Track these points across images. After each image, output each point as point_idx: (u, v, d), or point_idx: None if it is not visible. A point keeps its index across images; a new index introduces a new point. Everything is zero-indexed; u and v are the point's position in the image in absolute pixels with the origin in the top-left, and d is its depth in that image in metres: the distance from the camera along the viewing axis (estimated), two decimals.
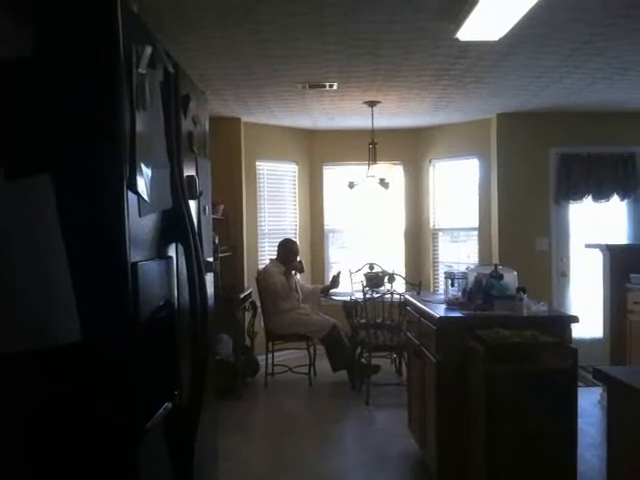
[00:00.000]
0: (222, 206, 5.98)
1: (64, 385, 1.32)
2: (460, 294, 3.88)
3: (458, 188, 7.13)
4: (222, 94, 5.48)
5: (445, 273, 4.08)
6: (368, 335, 5.57)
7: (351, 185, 6.15)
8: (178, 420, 1.73)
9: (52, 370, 1.31)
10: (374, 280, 5.84)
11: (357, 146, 6.54)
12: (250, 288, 6.30)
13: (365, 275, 5.98)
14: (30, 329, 1.27)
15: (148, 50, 1.45)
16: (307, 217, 7.38)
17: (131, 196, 1.38)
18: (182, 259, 1.76)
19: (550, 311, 3.62)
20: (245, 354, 6.07)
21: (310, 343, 6.02)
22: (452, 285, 3.88)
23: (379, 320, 5.68)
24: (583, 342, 6.15)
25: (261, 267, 6.39)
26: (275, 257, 6.22)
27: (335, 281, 6.20)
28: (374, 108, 5.92)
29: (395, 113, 6.38)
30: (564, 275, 6.56)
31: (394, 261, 7.15)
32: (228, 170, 6.36)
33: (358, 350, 5.87)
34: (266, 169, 6.97)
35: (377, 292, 5.67)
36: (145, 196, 1.44)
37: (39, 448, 1.32)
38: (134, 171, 1.37)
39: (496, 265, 3.89)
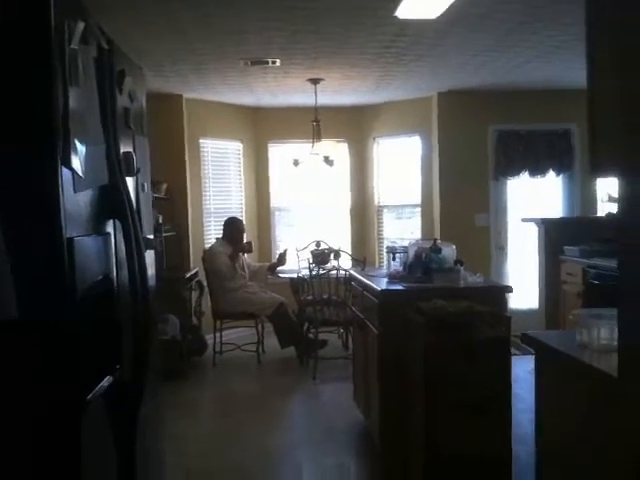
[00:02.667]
0: (165, 185, 5.92)
1: (2, 361, 1.32)
2: (401, 268, 4.00)
3: (401, 165, 7.25)
4: (162, 70, 5.39)
5: (387, 247, 4.19)
6: (315, 311, 5.66)
7: (296, 163, 6.18)
8: (121, 395, 1.75)
9: None
10: (320, 257, 5.91)
11: (302, 124, 6.55)
12: (196, 268, 6.28)
13: (311, 252, 6.05)
14: None
15: (80, 26, 1.44)
16: (253, 195, 7.38)
17: (66, 172, 1.38)
18: (120, 236, 1.77)
19: (486, 282, 3.75)
20: (192, 333, 6.07)
21: (258, 321, 6.06)
22: (393, 259, 3.98)
23: (325, 296, 5.78)
24: (520, 312, 6.43)
25: (207, 246, 6.37)
26: (221, 236, 6.21)
27: (281, 259, 6.25)
28: (317, 86, 5.95)
29: (338, 91, 6.42)
30: (502, 249, 6.80)
31: (340, 238, 7.25)
32: (171, 148, 6.28)
33: (305, 326, 5.97)
34: (210, 147, 6.91)
35: (323, 269, 5.75)
36: (80, 172, 1.44)
37: None
38: (68, 147, 1.37)
39: (435, 239, 4.01)
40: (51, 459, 1.39)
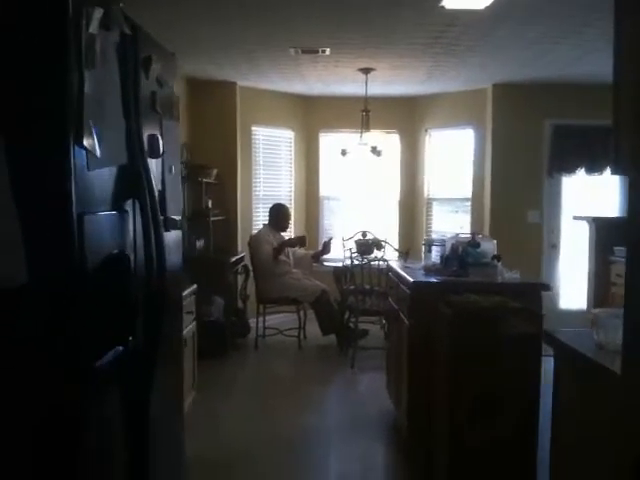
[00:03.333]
0: (215, 170, 6.05)
1: (13, 323, 1.42)
2: (438, 261, 3.97)
3: (453, 158, 7.16)
4: (215, 58, 5.52)
5: (424, 240, 4.16)
6: (356, 300, 5.70)
7: (343, 152, 6.20)
8: (134, 367, 1.84)
9: (2, 308, 1.41)
10: (363, 247, 5.92)
11: (353, 113, 6.54)
12: (243, 252, 6.41)
13: (356, 242, 6.07)
14: None
15: (98, 12, 1.51)
16: (302, 184, 7.45)
17: (80, 151, 1.47)
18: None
19: (523, 279, 3.68)
20: (237, 316, 6.22)
21: (300, 307, 6.14)
22: (429, 252, 3.97)
23: (368, 286, 5.80)
24: (569, 312, 6.27)
25: (254, 232, 6.49)
26: (267, 222, 6.32)
27: (326, 247, 6.29)
28: (368, 75, 5.94)
29: (390, 81, 6.39)
30: (554, 247, 6.63)
31: (388, 229, 7.24)
32: (223, 134, 6.42)
33: (346, 315, 6.00)
34: (262, 134, 7.01)
35: (365, 259, 5.76)
36: (94, 151, 1.52)
37: None
38: (81, 127, 1.45)
39: (474, 234, 3.97)
40: (57, 424, 1.48)
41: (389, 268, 4.49)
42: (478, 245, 3.88)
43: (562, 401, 2.25)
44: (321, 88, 6.85)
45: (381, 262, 5.45)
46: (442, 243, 3.99)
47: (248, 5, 4.03)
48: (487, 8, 3.93)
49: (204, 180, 5.83)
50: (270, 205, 6.57)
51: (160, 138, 2.08)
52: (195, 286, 4.20)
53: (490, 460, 3.14)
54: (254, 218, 6.86)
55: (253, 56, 5.42)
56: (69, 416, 1.49)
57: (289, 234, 7.11)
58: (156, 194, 1.99)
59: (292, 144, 7.32)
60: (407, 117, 7.35)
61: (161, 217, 2.12)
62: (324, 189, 7.52)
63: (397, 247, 6.48)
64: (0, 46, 1.39)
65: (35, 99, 1.41)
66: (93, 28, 1.50)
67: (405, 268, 4.16)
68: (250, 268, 6.26)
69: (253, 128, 6.87)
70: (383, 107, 6.94)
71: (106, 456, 1.70)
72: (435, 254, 4.04)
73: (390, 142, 7.29)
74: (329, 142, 7.40)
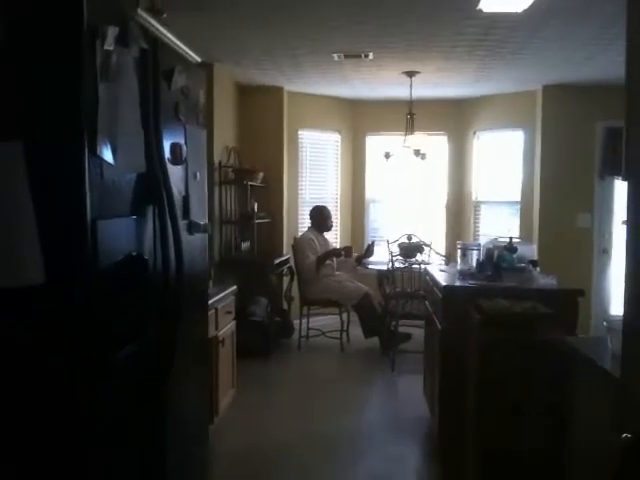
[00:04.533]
0: (261, 174, 6.17)
1: (31, 320, 1.54)
2: (474, 265, 3.95)
3: (502, 160, 7.05)
4: (261, 64, 5.64)
5: (459, 244, 4.14)
6: (397, 304, 5.70)
7: (387, 155, 6.22)
8: (151, 364, 1.94)
9: (21, 307, 1.53)
10: (407, 250, 5.92)
11: (399, 116, 6.54)
12: (288, 254, 6.51)
13: (399, 245, 6.07)
14: (1, 271, 1.49)
15: (113, 30, 1.61)
16: (348, 186, 7.50)
17: (95, 160, 1.57)
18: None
19: (559, 285, 3.62)
20: (281, 317, 6.32)
21: (343, 309, 6.20)
22: (464, 256, 3.95)
23: (410, 290, 5.80)
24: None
25: (299, 235, 6.58)
26: (310, 225, 6.41)
27: (369, 250, 6.32)
28: (413, 78, 5.94)
29: (436, 83, 6.36)
30: (605, 252, 6.43)
31: (435, 232, 7.20)
32: (269, 138, 6.55)
33: (388, 318, 6.01)
34: (308, 138, 7.11)
35: (409, 262, 5.76)
36: (109, 160, 1.63)
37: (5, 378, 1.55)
38: (95, 137, 1.56)
39: (511, 238, 3.92)
40: (71, 417, 1.59)
41: (426, 272, 4.49)
42: (515, 250, 3.83)
43: (576, 406, 2.23)
44: (366, 91, 6.88)
45: (423, 266, 5.43)
46: (478, 247, 3.96)
47: (291, 11, 4.11)
48: (526, 11, 3.89)
49: (250, 183, 5.96)
50: None
51: (184, 146, 2.19)
52: (235, 287, 4.31)
53: (520, 468, 3.11)
54: (300, 221, 6.96)
55: (298, 61, 5.52)
56: (83, 408, 1.60)
57: (334, 236, 7.18)
58: (176, 200, 2.10)
59: (338, 147, 7.39)
60: (455, 119, 7.29)
61: (185, 221, 2.24)
62: (370, 192, 7.55)
63: (444, 251, 6.44)
64: (20, 62, 1.51)
65: (51, 111, 1.52)
66: (108, 45, 1.61)
67: (441, 272, 4.15)
68: (294, 270, 6.36)
69: (300, 132, 6.97)
70: (430, 109, 6.93)
71: (122, 448, 1.80)
72: (471, 258, 4.02)
73: (437, 144, 7.25)
74: (375, 145, 7.41)
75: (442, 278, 3.84)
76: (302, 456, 3.69)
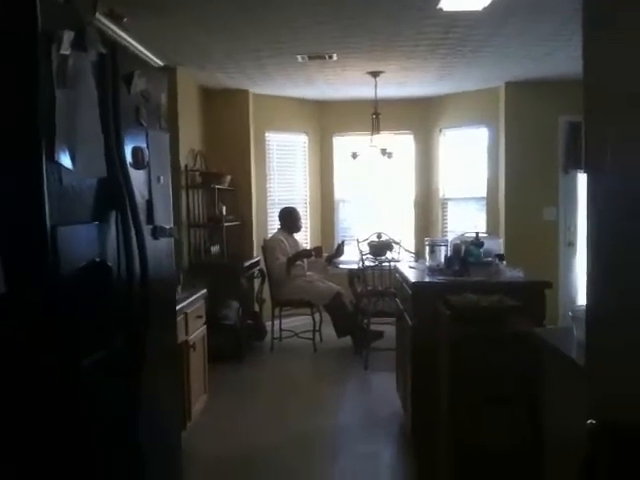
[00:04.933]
0: (229, 177, 6.15)
1: None
2: (442, 261, 3.99)
3: (468, 157, 7.14)
4: (225, 67, 5.61)
5: (427, 241, 4.18)
6: (368, 302, 5.73)
7: (354, 155, 6.25)
8: (120, 370, 1.92)
9: None
10: (376, 249, 5.95)
11: (365, 116, 6.57)
12: (259, 256, 6.49)
13: (369, 244, 6.10)
14: None
15: (69, 34, 1.59)
16: (317, 187, 7.52)
17: (54, 165, 1.55)
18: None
19: (526, 277, 3.68)
20: (253, 319, 6.30)
21: (315, 310, 6.21)
22: (432, 252, 3.99)
23: (381, 288, 5.83)
24: None
25: (269, 236, 6.57)
26: (280, 226, 6.42)
27: (339, 250, 6.34)
28: (378, 78, 5.98)
29: (401, 83, 6.41)
30: (571, 244, 6.56)
31: (404, 230, 7.26)
32: (236, 141, 6.53)
33: (360, 317, 6.04)
34: (276, 140, 7.10)
35: (378, 260, 5.79)
36: (68, 165, 1.61)
37: None
38: (52, 143, 1.54)
39: (477, 233, 3.97)
40: (35, 427, 1.56)
41: (395, 269, 4.52)
42: (481, 244, 3.89)
43: (548, 395, 2.27)
44: (332, 92, 6.90)
45: (392, 264, 5.47)
46: (446, 243, 4.01)
47: (253, 13, 4.10)
48: (486, 9, 3.94)
49: (217, 187, 5.93)
50: None
51: (146, 150, 2.17)
52: (205, 290, 4.28)
53: (493, 461, 3.15)
54: (269, 223, 6.95)
55: (262, 64, 5.51)
56: (50, 418, 1.58)
57: (304, 237, 7.19)
58: (140, 204, 2.08)
59: (306, 148, 7.40)
60: (421, 118, 7.35)
61: (149, 226, 2.22)
62: (339, 192, 7.58)
63: (413, 248, 6.49)
64: None
65: (6, 117, 1.50)
66: (64, 49, 1.58)
67: (411, 269, 4.19)
68: (265, 272, 6.34)
69: (267, 134, 6.96)
70: (396, 108, 6.98)
71: (94, 456, 1.78)
72: (439, 254, 4.06)
73: (404, 143, 7.31)
74: (342, 145, 7.44)
75: (411, 275, 3.87)
76: (277, 458, 3.69)
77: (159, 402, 2.33)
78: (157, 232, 2.28)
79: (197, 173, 5.97)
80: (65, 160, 1.59)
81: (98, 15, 3.02)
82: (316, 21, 4.31)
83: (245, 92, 6.58)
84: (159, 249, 2.33)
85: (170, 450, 2.53)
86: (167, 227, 2.38)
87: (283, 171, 7.21)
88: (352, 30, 4.55)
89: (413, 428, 3.66)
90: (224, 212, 5.99)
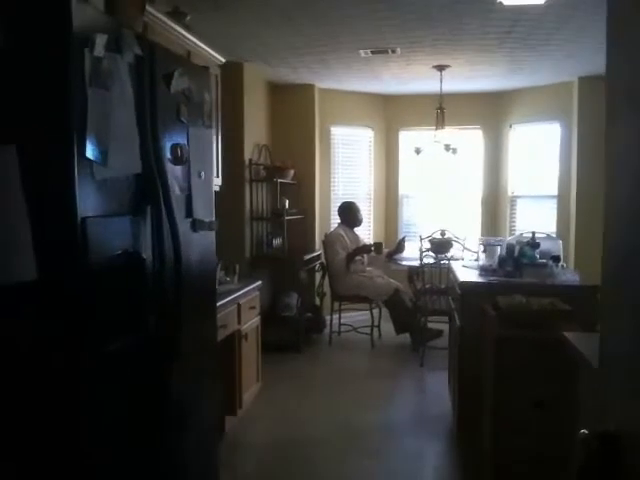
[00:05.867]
0: (292, 171, 6.23)
1: (23, 314, 1.64)
2: (496, 261, 3.91)
3: (539, 153, 6.92)
4: (289, 63, 5.69)
5: (480, 240, 4.10)
6: (425, 300, 5.68)
7: (417, 151, 6.19)
8: (154, 355, 2.02)
9: (14, 303, 1.63)
10: (438, 246, 5.88)
11: (431, 111, 6.49)
12: (320, 250, 6.56)
13: (430, 241, 6.03)
14: None
15: (102, 38, 1.69)
16: (382, 182, 7.49)
17: (85, 161, 1.65)
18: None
19: (582, 281, 3.55)
20: (313, 312, 6.38)
21: (374, 305, 6.21)
22: (484, 252, 3.92)
23: (442, 286, 5.75)
24: None
25: (330, 231, 6.62)
26: (340, 221, 6.46)
27: (400, 246, 6.31)
28: (444, 72, 5.89)
29: (469, 77, 6.29)
30: None
31: (470, 228, 7.12)
32: (301, 136, 6.61)
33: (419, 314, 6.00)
34: (340, 134, 7.13)
35: (438, 258, 5.72)
36: (100, 161, 1.70)
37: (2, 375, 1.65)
38: (84, 140, 1.63)
39: (534, 233, 3.87)
40: (64, 410, 1.67)
41: (449, 268, 4.46)
42: (537, 245, 3.78)
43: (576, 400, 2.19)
44: (398, 86, 6.86)
45: (450, 262, 5.39)
46: (500, 243, 3.92)
47: (313, 10, 4.14)
48: (548, 2, 3.83)
49: (280, 180, 6.03)
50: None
51: (185, 146, 2.25)
52: (259, 282, 4.39)
53: (538, 467, 3.08)
54: (332, 217, 6.99)
55: (325, 59, 5.55)
56: (80, 402, 1.68)
57: (367, 232, 7.19)
58: (178, 198, 2.17)
59: (371, 143, 7.39)
60: (490, 112, 7.18)
61: (188, 219, 2.32)
62: (403, 187, 7.52)
63: (474, 246, 6.36)
64: (13, 67, 1.60)
65: (42, 116, 1.61)
66: (98, 52, 1.68)
67: (464, 268, 4.13)
68: (326, 266, 6.40)
69: (332, 128, 7.00)
70: (464, 103, 6.86)
71: (124, 442, 1.88)
72: (493, 254, 3.98)
73: (470, 139, 7.17)
74: (408, 140, 7.37)
75: (462, 274, 3.81)
76: (321, 450, 3.74)
77: (197, 390, 2.42)
78: (196, 225, 2.36)
79: (261, 167, 6.10)
80: (97, 156, 1.69)
81: (155, 13, 3.15)
82: (375, 16, 4.31)
83: (311, 87, 6.65)
84: (199, 241, 2.42)
85: (210, 437, 2.62)
86: (207, 220, 2.46)
87: (347, 165, 7.23)
88: (413, 24, 4.51)
89: (459, 428, 3.63)
90: (287, 205, 6.09)
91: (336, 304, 6.27)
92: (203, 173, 2.45)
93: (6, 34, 1.58)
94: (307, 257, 6.07)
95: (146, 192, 1.96)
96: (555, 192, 6.69)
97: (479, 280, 3.59)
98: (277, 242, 6.14)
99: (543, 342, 3.00)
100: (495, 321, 3.12)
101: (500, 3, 3.84)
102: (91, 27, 1.67)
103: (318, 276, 6.58)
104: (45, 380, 1.66)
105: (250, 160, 5.84)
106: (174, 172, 2.19)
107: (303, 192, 6.55)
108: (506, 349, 3.05)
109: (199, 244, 2.42)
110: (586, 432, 1.19)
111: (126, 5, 2.09)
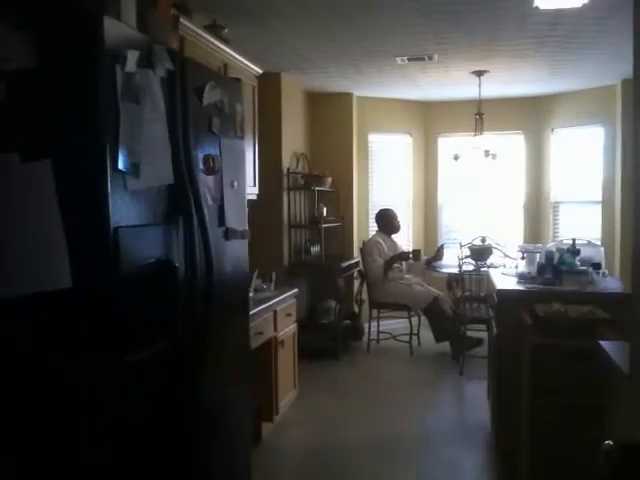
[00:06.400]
0: (330, 178, 6.26)
1: (58, 320, 1.70)
2: (535, 269, 3.85)
3: (582, 158, 6.77)
4: (326, 72, 5.73)
5: (519, 247, 4.05)
6: (464, 308, 5.62)
7: (456, 157, 6.14)
8: (182, 362, 2.07)
9: (50, 309, 1.70)
10: (477, 253, 5.81)
11: (470, 117, 6.44)
12: (358, 258, 6.56)
13: (470, 248, 5.96)
14: (32, 277, 1.66)
15: (133, 54, 1.75)
16: (421, 189, 7.46)
17: (117, 174, 1.71)
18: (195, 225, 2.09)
19: (624, 289, 3.46)
20: (351, 320, 6.38)
21: (413, 313, 6.18)
22: (522, 259, 3.86)
23: (483, 294, 5.69)
24: None
25: (368, 238, 6.62)
26: (377, 228, 6.45)
27: (438, 253, 6.26)
28: (482, 77, 5.84)
29: (508, 81, 6.21)
30: None
31: (512, 234, 7.01)
32: (339, 143, 6.64)
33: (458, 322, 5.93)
34: (378, 141, 7.13)
35: (477, 265, 5.65)
36: (132, 173, 1.76)
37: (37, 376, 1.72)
38: (116, 153, 1.69)
39: (574, 240, 3.79)
40: (94, 412, 1.73)
41: (488, 275, 4.41)
42: (578, 252, 3.71)
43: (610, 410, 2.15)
44: (436, 93, 6.82)
45: (489, 269, 5.32)
46: (539, 250, 3.86)
47: (348, 19, 4.16)
48: (586, 5, 3.76)
49: (317, 189, 6.06)
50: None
51: (217, 157, 2.31)
52: (296, 290, 4.43)
53: (575, 478, 3.01)
54: (370, 224, 6.98)
55: (361, 67, 5.57)
56: (109, 406, 1.74)
57: (407, 239, 7.16)
58: (210, 208, 2.22)
59: (409, 149, 7.36)
60: (531, 117, 7.07)
61: (221, 228, 2.37)
62: (442, 194, 7.46)
63: (514, 253, 6.25)
64: (48, 85, 1.67)
65: (75, 130, 1.68)
66: (129, 67, 1.74)
67: (503, 275, 4.07)
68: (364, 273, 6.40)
69: (370, 135, 7.01)
70: (505, 108, 6.79)
71: (149, 441, 1.93)
72: (533, 261, 3.91)
73: (510, 144, 7.07)
74: (447, 146, 7.32)
75: (499, 281, 3.76)
76: (356, 458, 3.74)
77: (225, 395, 2.46)
78: (229, 234, 2.41)
79: (299, 175, 6.15)
80: (129, 168, 1.75)
81: (192, 27, 3.23)
82: (409, 23, 4.30)
83: (349, 95, 6.68)
84: (231, 249, 2.46)
85: (241, 442, 2.66)
86: (239, 229, 2.51)
87: (385, 172, 7.22)
88: (448, 31, 4.49)
89: (497, 438, 3.57)
90: (324, 213, 6.12)
91: (374, 312, 6.26)
92: (236, 183, 2.49)
93: (41, 53, 1.65)
94: (345, 264, 6.08)
95: (178, 202, 2.02)
96: (599, 197, 6.53)
97: (517, 288, 3.53)
98: (315, 249, 6.17)
99: (580, 351, 2.94)
100: (531, 329, 3.07)
101: (536, 7, 3.79)
102: (123, 44, 1.73)
103: (356, 283, 6.58)
104: (75, 385, 1.72)
105: (288, 169, 5.90)
106: (206, 182, 2.25)
107: (341, 199, 6.57)
108: (542, 358, 2.99)
109: (232, 252, 2.47)
110: (610, 443, 1.17)
111: (158, 21, 2.16)
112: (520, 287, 3.54)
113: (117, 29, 1.73)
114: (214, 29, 3.84)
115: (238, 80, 2.63)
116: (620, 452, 1.13)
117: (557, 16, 4.11)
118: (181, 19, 2.92)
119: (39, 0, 1.71)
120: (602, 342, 2.13)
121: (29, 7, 1.70)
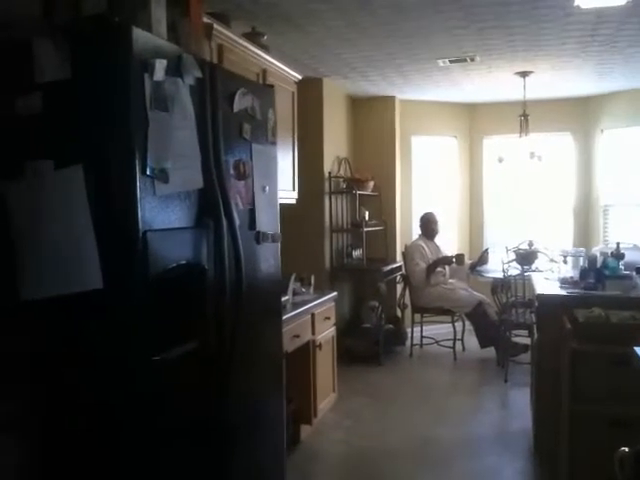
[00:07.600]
0: (372, 182, 6.26)
1: (90, 321, 1.77)
2: (577, 273, 3.76)
3: (633, 159, 6.56)
4: (368, 76, 5.74)
5: (560, 252, 3.96)
6: (509, 313, 5.52)
7: (500, 160, 6.04)
8: (211, 363, 2.11)
9: (81, 309, 1.77)
10: (523, 257, 5.69)
11: (516, 118, 6.33)
12: (401, 261, 6.52)
13: (515, 252, 5.86)
14: (64, 278, 1.73)
15: (162, 63, 1.81)
16: (466, 191, 7.37)
17: (146, 179, 1.78)
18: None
19: None
20: (394, 324, 6.35)
21: (457, 318, 6.11)
22: (564, 263, 3.78)
23: (529, 299, 5.57)
24: None
25: (411, 242, 6.58)
26: (420, 232, 6.41)
27: (482, 257, 6.17)
28: (527, 78, 5.74)
29: (554, 82, 6.09)
30: None
31: (561, 238, 6.85)
32: (382, 147, 6.64)
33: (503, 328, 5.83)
34: (422, 144, 7.09)
35: (522, 270, 5.54)
36: (160, 179, 1.82)
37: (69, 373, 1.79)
38: (145, 159, 1.76)
39: (618, 244, 3.69)
40: (121, 409, 1.79)
41: (530, 280, 4.33)
42: (622, 256, 3.61)
43: None
44: (480, 94, 6.73)
45: (535, 273, 5.21)
46: (581, 254, 3.77)
47: (386, 23, 4.17)
48: (630, 2, 3.65)
49: (359, 192, 6.07)
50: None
51: (248, 162, 2.36)
52: (335, 293, 4.45)
53: None
54: (414, 228, 6.93)
55: (403, 70, 5.56)
56: (141, 406, 1.79)
57: (452, 243, 7.08)
58: (241, 212, 2.27)
59: (454, 152, 7.29)
60: (580, 117, 6.90)
61: (252, 232, 2.41)
62: (487, 196, 7.35)
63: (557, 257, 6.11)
64: (79, 95, 1.75)
65: (106, 137, 1.74)
66: (158, 76, 1.80)
67: (545, 280, 3.99)
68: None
69: (413, 138, 6.98)
70: (551, 109, 6.66)
71: (180, 440, 1.98)
72: (576, 266, 3.83)
73: (557, 145, 6.92)
74: (492, 148, 7.21)
75: (541, 286, 3.69)
76: (393, 463, 3.72)
77: (256, 397, 2.49)
78: (260, 237, 2.45)
79: (341, 179, 6.17)
80: (157, 174, 1.80)
81: (229, 34, 3.30)
82: (450, 25, 4.27)
83: (391, 98, 6.67)
84: (263, 253, 2.50)
85: (274, 444, 2.69)
86: (270, 233, 2.54)
87: (429, 175, 7.16)
88: (488, 32, 4.43)
89: (537, 445, 3.50)
90: (366, 217, 6.12)
91: (417, 316, 6.21)
92: (267, 187, 2.53)
93: (73, 66, 1.73)
94: (387, 268, 6.06)
95: (208, 206, 2.07)
96: None
97: (557, 292, 3.46)
98: (357, 253, 6.18)
99: (620, 357, 2.86)
100: (571, 335, 3.00)
101: (578, 7, 3.72)
102: (151, 54, 1.80)
103: (399, 288, 6.55)
104: (106, 384, 1.79)
105: (329, 173, 5.93)
106: (237, 187, 2.30)
107: (383, 203, 6.55)
108: (581, 364, 2.93)
109: (263, 255, 2.51)
110: (625, 450, 1.14)
111: (190, 31, 2.22)
112: (561, 292, 3.46)
113: (146, 39, 1.79)
114: (253, 36, 3.91)
115: (271, 86, 2.67)
116: (632, 459, 1.10)
117: (600, 15, 4.01)
118: (216, 27, 2.98)
119: (73, 16, 1.79)
120: (636, 349, 2.06)
121: (63, 22, 1.78)
